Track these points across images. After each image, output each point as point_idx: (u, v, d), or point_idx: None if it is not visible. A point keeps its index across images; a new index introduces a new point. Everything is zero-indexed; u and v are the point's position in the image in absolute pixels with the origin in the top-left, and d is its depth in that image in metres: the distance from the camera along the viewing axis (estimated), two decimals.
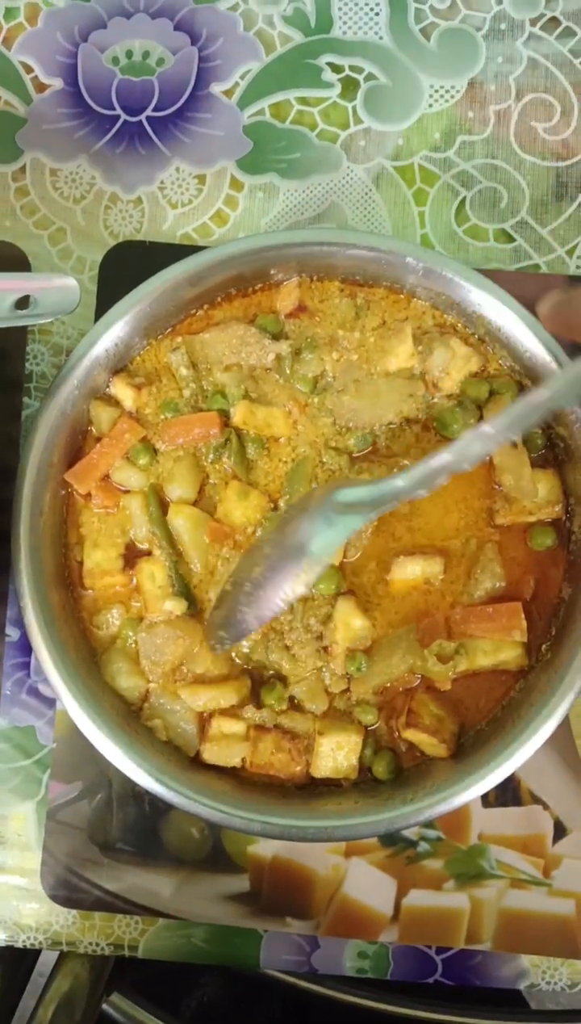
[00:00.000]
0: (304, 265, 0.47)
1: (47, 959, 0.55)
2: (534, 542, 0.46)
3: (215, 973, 0.59)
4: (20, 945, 0.52)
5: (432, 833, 0.52)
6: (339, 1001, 0.58)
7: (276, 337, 0.47)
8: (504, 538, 0.47)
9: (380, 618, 0.47)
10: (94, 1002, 0.52)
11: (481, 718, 0.46)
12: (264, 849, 0.52)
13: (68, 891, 0.52)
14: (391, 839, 0.52)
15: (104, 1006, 0.53)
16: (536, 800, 0.52)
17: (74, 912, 0.52)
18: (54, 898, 0.52)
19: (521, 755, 0.42)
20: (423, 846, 0.52)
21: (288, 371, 0.47)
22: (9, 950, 0.53)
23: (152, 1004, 0.54)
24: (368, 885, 0.52)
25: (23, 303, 0.39)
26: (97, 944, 0.52)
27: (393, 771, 0.45)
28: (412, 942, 0.52)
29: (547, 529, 0.46)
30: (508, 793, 0.52)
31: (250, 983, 0.60)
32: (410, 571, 0.46)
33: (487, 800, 0.52)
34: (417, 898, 0.52)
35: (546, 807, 0.52)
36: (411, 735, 0.45)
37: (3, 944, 0.52)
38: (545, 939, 0.52)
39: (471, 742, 0.45)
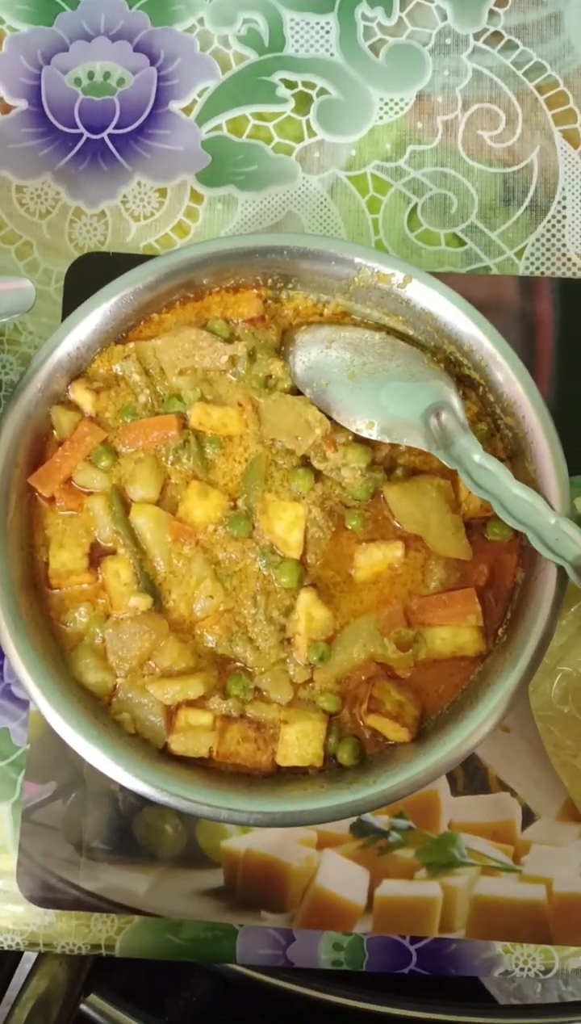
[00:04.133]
0: (257, 270, 0.49)
1: (27, 961, 0.55)
2: (492, 533, 0.48)
3: (202, 974, 0.59)
4: None
5: (402, 823, 0.53)
6: (323, 1001, 0.59)
7: (228, 340, 0.49)
8: (466, 530, 0.48)
9: (343, 608, 0.48)
10: (71, 1003, 0.52)
11: (442, 703, 0.47)
12: (238, 844, 0.53)
13: (44, 891, 0.53)
14: (362, 829, 0.53)
15: (82, 1007, 0.53)
16: (504, 787, 0.53)
17: (51, 912, 0.53)
18: (31, 899, 0.52)
19: (478, 734, 0.43)
20: (394, 836, 0.53)
21: (243, 371, 0.49)
22: None
23: (131, 1005, 0.54)
24: (341, 876, 0.53)
25: None
26: (74, 944, 0.53)
27: (357, 757, 0.46)
28: (386, 932, 0.53)
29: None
30: (476, 781, 0.53)
31: (237, 984, 0.60)
32: (374, 557, 0.47)
33: (456, 788, 0.53)
34: (390, 888, 0.53)
35: (514, 794, 0.53)
36: (373, 721, 0.46)
37: None
38: (518, 926, 0.53)
39: (432, 726, 0.46)
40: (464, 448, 0.45)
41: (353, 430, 0.47)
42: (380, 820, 0.53)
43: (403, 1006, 0.59)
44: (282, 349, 0.49)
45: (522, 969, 0.53)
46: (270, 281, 0.49)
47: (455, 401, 0.46)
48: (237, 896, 0.52)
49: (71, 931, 0.53)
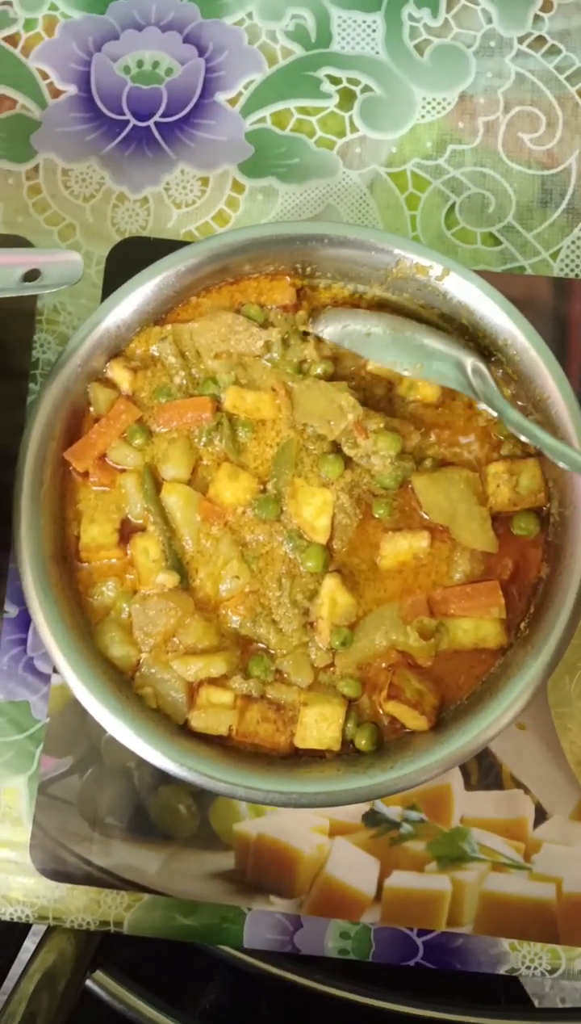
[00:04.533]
0: (296, 258, 0.49)
1: (35, 935, 0.55)
2: (518, 528, 0.48)
3: (210, 960, 0.59)
4: (7, 918, 0.53)
5: (415, 815, 0.53)
6: (338, 998, 0.58)
7: (262, 326, 0.49)
8: (492, 523, 0.48)
9: (366, 595, 0.48)
10: (78, 978, 0.52)
11: (461, 694, 0.47)
12: (250, 827, 0.53)
13: (57, 865, 0.53)
14: (374, 820, 0.53)
15: (88, 983, 0.54)
16: (518, 784, 0.53)
17: (62, 887, 0.53)
18: (43, 872, 0.53)
19: (496, 726, 0.44)
20: (406, 828, 0.53)
21: (278, 357, 0.49)
22: None
23: (136, 984, 0.55)
24: (351, 865, 0.53)
25: (31, 277, 0.42)
26: (84, 919, 0.53)
27: (375, 743, 0.46)
28: (394, 924, 0.53)
29: (530, 515, 0.48)
30: (490, 777, 0.53)
31: (245, 973, 0.60)
32: (399, 546, 0.48)
33: (469, 783, 0.53)
34: (399, 880, 0.53)
35: (527, 792, 0.53)
36: (392, 708, 0.46)
37: None
38: (526, 924, 0.53)
39: (451, 717, 0.46)
40: (503, 404, 0.45)
41: (397, 370, 0.48)
42: (393, 811, 0.53)
43: (433, 1008, 0.59)
44: (310, 322, 0.49)
45: (528, 968, 0.53)
46: (308, 269, 0.50)
47: (486, 368, 0.47)
48: (247, 879, 0.53)
49: (81, 906, 0.53)
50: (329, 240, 0.48)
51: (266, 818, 0.53)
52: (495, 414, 0.47)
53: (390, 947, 0.53)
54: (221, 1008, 0.61)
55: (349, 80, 0.59)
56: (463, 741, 0.44)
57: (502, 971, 0.53)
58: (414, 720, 0.46)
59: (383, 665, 0.47)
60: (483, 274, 0.56)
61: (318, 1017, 0.62)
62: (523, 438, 0.45)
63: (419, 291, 0.49)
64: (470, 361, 0.47)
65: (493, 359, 0.48)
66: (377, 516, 0.48)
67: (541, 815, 0.53)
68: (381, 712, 0.47)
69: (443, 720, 0.46)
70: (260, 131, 0.59)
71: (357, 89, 0.59)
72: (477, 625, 0.47)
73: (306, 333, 0.50)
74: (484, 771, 0.53)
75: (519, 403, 0.48)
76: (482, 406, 0.47)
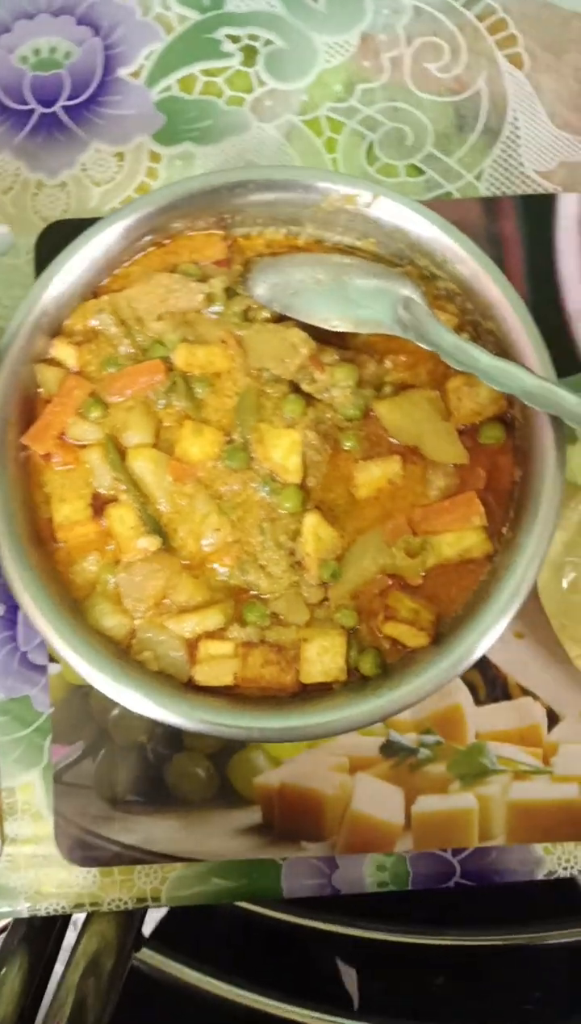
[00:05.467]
0: (223, 209, 0.50)
1: (77, 926, 0.55)
2: (485, 437, 0.49)
3: (248, 921, 0.59)
4: (44, 913, 0.52)
5: (431, 738, 0.54)
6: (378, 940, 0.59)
7: (200, 280, 0.49)
8: (460, 437, 0.49)
9: (348, 527, 0.48)
10: (124, 959, 0.52)
11: (455, 606, 0.48)
12: (271, 779, 0.53)
13: (84, 850, 0.53)
14: (391, 749, 0.54)
15: (134, 962, 0.53)
16: (526, 692, 0.54)
17: (94, 871, 0.53)
18: (71, 859, 0.52)
19: (495, 629, 0.44)
20: (423, 752, 0.53)
21: (223, 308, 0.49)
22: (30, 926, 0.53)
23: (182, 955, 0.54)
24: (376, 798, 0.53)
25: None
26: (120, 900, 0.53)
27: (379, 667, 0.46)
28: (427, 848, 0.53)
29: (494, 424, 0.49)
30: (497, 689, 0.54)
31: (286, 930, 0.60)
32: (373, 473, 0.48)
33: (478, 698, 0.54)
34: (426, 804, 0.53)
35: (536, 698, 0.54)
36: (391, 629, 0.46)
37: (27, 915, 0.52)
38: (555, 826, 0.53)
39: (448, 628, 0.47)
40: (436, 334, 0.46)
41: (327, 327, 0.48)
42: (408, 738, 0.54)
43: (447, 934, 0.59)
44: (242, 280, 0.50)
45: (565, 867, 0.54)
46: (238, 218, 0.50)
47: (417, 295, 0.47)
48: (276, 831, 0.53)
49: (115, 887, 0.53)
50: (254, 185, 0.48)
51: (285, 767, 0.53)
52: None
53: (427, 872, 0.53)
54: (261, 963, 0.61)
55: (249, 37, 0.59)
56: (464, 647, 0.45)
57: (540, 876, 0.54)
58: (414, 637, 0.46)
59: (375, 592, 0.47)
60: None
61: (361, 959, 0.62)
62: (459, 368, 0.45)
63: (351, 223, 0.49)
64: (402, 296, 0.47)
65: (437, 280, 0.49)
66: (347, 448, 0.49)
67: (553, 719, 0.54)
68: (380, 636, 0.47)
69: (442, 633, 0.47)
70: (168, 99, 0.59)
71: (258, 44, 0.59)
72: (460, 537, 0.47)
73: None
74: (490, 684, 0.54)
75: (468, 316, 0.49)
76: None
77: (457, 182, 0.58)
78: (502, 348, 0.47)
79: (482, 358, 0.45)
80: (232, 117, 0.59)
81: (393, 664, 0.47)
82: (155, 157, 0.59)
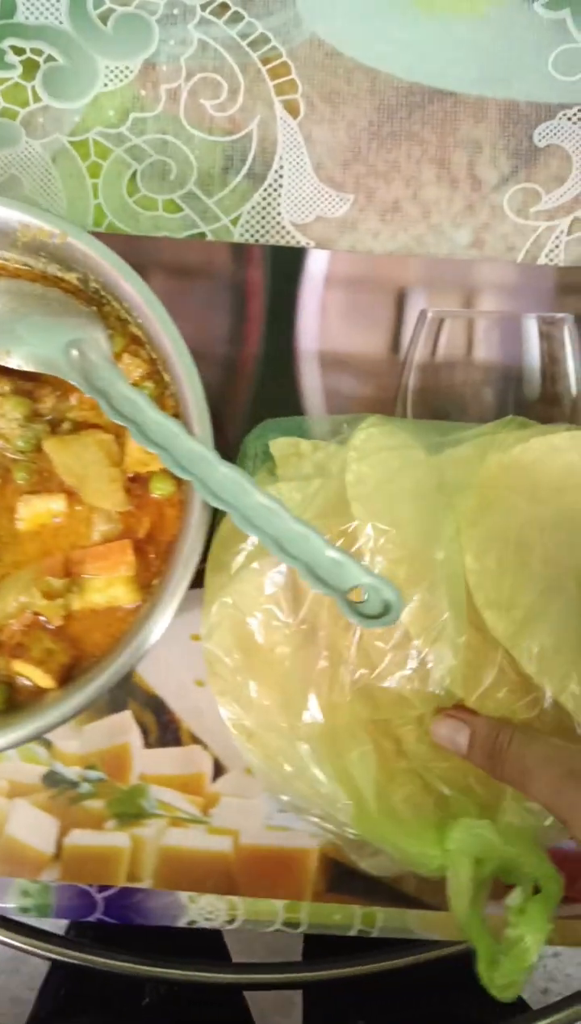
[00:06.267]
0: None
1: None
2: (154, 488, 0.49)
3: None
4: None
5: (94, 774, 0.54)
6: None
7: None
8: (130, 484, 0.49)
9: (5, 559, 0.49)
10: None
11: (98, 651, 0.48)
12: None
13: None
14: (53, 780, 0.54)
15: None
16: (196, 740, 0.54)
17: None
18: None
19: (112, 674, 0.44)
20: (85, 787, 0.54)
21: None
22: None
23: None
24: (30, 825, 0.54)
25: None
26: None
27: (5, 702, 0.47)
28: (73, 880, 0.54)
29: (165, 476, 0.49)
30: (169, 734, 0.54)
31: None
32: (35, 508, 0.48)
33: (148, 741, 0.54)
34: (78, 837, 0.54)
35: (206, 747, 0.54)
36: (19, 666, 0.47)
37: None
38: (203, 876, 0.54)
39: (81, 673, 0.47)
40: (107, 380, 0.46)
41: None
42: (72, 771, 0.54)
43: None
44: None
45: (207, 919, 0.54)
46: None
47: (100, 336, 0.47)
48: None
49: None
50: None
51: None
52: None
53: (70, 904, 0.54)
54: None
55: (32, 50, 0.59)
56: (86, 693, 0.45)
57: (182, 923, 0.54)
58: (41, 678, 0.47)
59: (18, 627, 0.48)
60: (163, 241, 0.57)
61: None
62: (119, 421, 0.45)
63: (53, 255, 0.49)
64: (75, 338, 0.47)
65: (129, 324, 0.49)
66: (18, 481, 0.49)
67: (219, 769, 0.54)
68: (12, 671, 0.47)
69: (74, 677, 0.47)
70: None
71: (40, 59, 0.59)
72: (109, 583, 0.48)
73: None
74: (163, 728, 0.54)
75: (157, 366, 0.49)
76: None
77: (213, 224, 0.58)
78: (178, 400, 0.47)
79: (152, 415, 0.45)
80: (3, 129, 0.59)
81: (22, 702, 0.47)
82: None
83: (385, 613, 0.41)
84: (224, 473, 0.44)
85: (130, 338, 0.50)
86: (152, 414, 0.45)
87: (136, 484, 0.49)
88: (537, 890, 0.43)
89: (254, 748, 0.47)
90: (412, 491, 0.47)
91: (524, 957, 0.42)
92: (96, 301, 0.50)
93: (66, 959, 0.54)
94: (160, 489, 0.49)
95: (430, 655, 0.44)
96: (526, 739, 0.42)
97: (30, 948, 0.54)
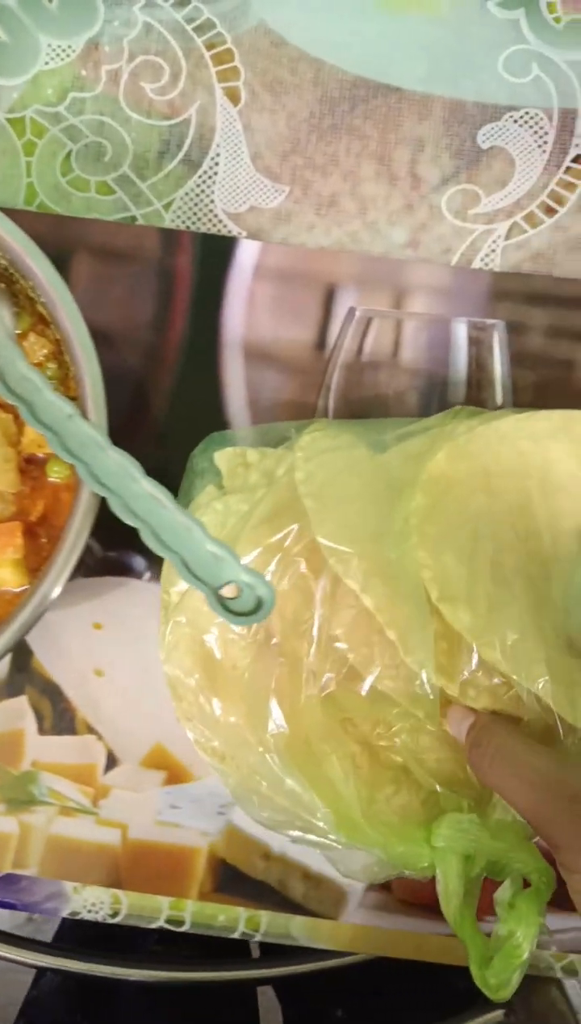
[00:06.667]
0: None
1: None
2: (51, 472, 0.48)
3: None
4: None
5: None
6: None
7: None
8: (27, 466, 0.48)
9: None
10: None
11: None
12: None
13: None
14: None
15: None
16: (91, 731, 0.54)
17: None
18: None
19: None
20: None
21: None
22: None
23: None
24: None
25: None
26: None
27: None
28: None
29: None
30: (64, 722, 0.54)
31: None
32: None
33: (43, 727, 0.54)
34: None
35: (101, 738, 0.54)
36: None
37: None
38: (89, 867, 0.53)
39: None
40: (5, 358, 0.45)
41: None
42: None
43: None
44: None
45: (90, 911, 0.53)
46: None
47: (4, 313, 0.47)
48: None
49: None
50: None
51: None
52: None
53: None
54: None
55: None
56: None
57: (65, 914, 0.53)
58: None
59: None
60: (93, 223, 0.57)
61: None
62: (12, 400, 0.44)
63: None
64: None
65: (36, 303, 0.48)
66: None
67: (112, 761, 0.54)
68: None
69: None
70: None
71: None
72: None
73: None
74: (59, 715, 0.54)
75: (62, 347, 0.48)
76: None
77: (145, 208, 0.57)
78: (79, 385, 0.47)
79: (46, 395, 0.44)
80: None
81: None
82: None
83: (256, 610, 0.40)
84: (113, 459, 0.43)
85: (37, 317, 0.49)
86: (48, 395, 0.44)
87: (32, 466, 0.48)
88: (527, 884, 0.42)
89: (228, 769, 0.46)
90: (360, 490, 0.46)
91: (515, 954, 0.40)
92: (6, 278, 0.49)
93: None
94: (57, 472, 0.48)
95: (400, 648, 0.42)
96: (502, 740, 0.41)
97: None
